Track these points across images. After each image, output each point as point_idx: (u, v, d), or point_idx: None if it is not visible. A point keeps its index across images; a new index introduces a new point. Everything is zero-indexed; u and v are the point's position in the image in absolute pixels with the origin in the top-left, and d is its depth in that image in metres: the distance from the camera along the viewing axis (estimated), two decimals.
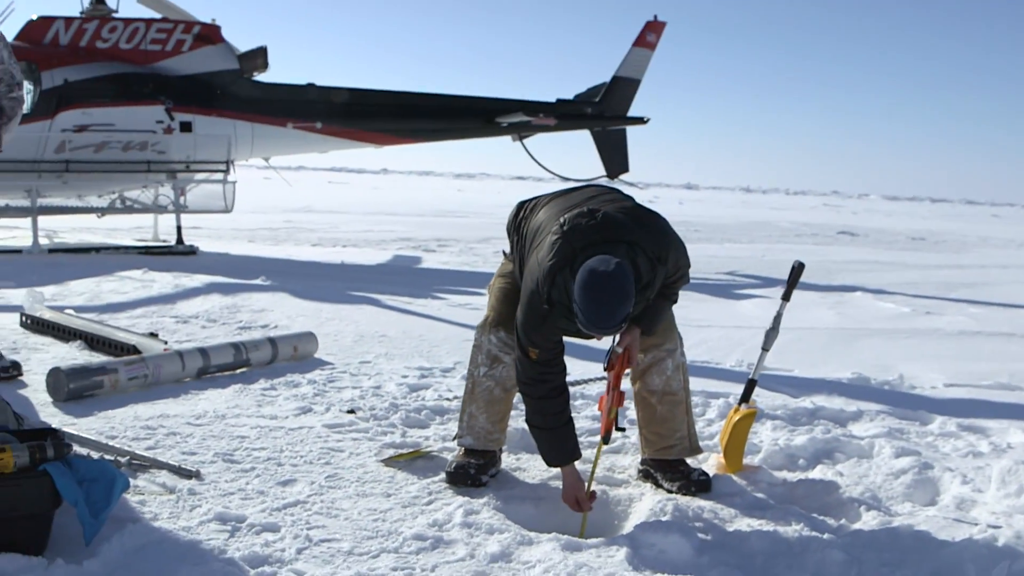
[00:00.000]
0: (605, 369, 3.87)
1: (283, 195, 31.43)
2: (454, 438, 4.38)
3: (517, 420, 4.51)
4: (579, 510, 3.81)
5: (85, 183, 14.52)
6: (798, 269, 4.41)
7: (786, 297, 4.44)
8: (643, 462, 4.28)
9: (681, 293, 4.09)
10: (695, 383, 5.51)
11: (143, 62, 14.72)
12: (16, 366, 5.64)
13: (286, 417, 5.03)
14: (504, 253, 4.38)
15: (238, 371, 6.02)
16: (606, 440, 3.88)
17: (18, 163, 13.35)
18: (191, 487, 3.86)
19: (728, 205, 57.99)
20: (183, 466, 4.08)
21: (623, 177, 18.96)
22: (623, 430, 4.00)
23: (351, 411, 5.16)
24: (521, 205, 4.23)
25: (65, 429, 4.32)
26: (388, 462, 4.33)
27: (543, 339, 3.74)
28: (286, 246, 17.01)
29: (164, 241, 15.13)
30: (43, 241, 13.67)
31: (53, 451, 3.18)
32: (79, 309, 7.95)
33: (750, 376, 4.50)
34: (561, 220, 3.67)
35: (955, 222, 47.81)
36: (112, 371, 5.33)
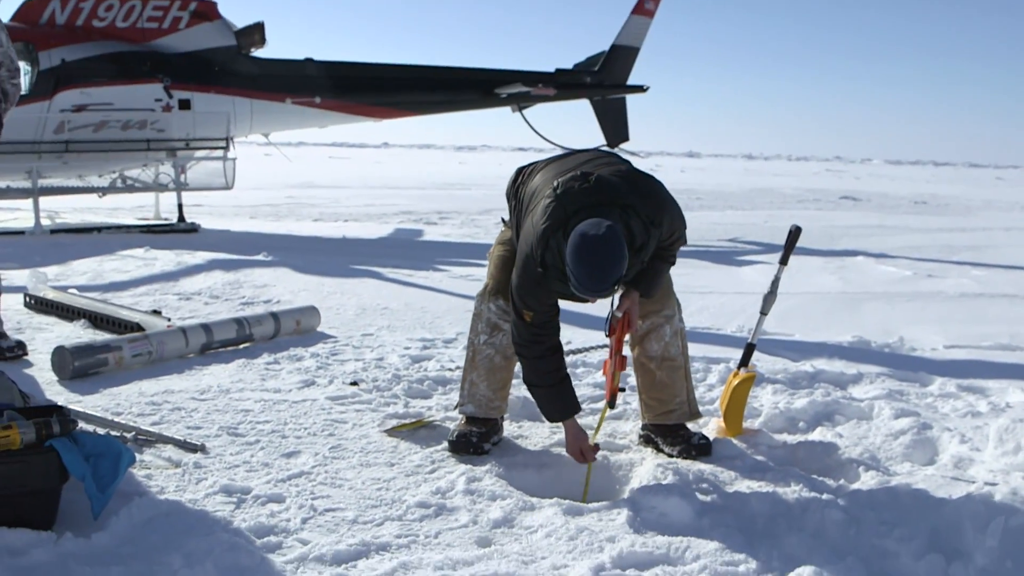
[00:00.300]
0: (607, 335, 3.90)
1: (284, 171, 31.41)
2: (456, 407, 4.42)
3: (518, 388, 4.54)
4: (583, 461, 3.87)
5: (85, 163, 14.49)
6: (795, 233, 4.43)
7: (784, 261, 4.46)
8: (644, 427, 4.32)
9: (683, 260, 4.12)
10: (697, 349, 5.55)
11: (140, 40, 14.65)
12: (21, 346, 5.68)
13: (290, 390, 5.07)
14: (503, 220, 4.40)
15: (241, 346, 6.06)
16: (611, 404, 3.93)
17: (18, 144, 13.33)
18: (197, 460, 3.91)
19: (731, 172, 57.86)
20: (188, 440, 4.12)
21: (623, 146, 18.90)
22: (623, 390, 4.05)
23: (354, 383, 5.20)
24: (520, 171, 4.25)
25: (71, 407, 4.37)
26: (391, 432, 4.37)
27: (537, 302, 3.77)
28: (287, 222, 17.01)
29: (166, 219, 15.12)
30: (45, 222, 13.67)
31: (59, 427, 3.22)
32: (82, 288, 7.99)
33: (749, 340, 4.53)
34: (555, 183, 3.70)
35: (959, 185, 47.66)
36: (116, 349, 5.36)
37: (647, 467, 3.93)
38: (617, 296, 3.83)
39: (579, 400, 4.02)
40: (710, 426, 4.47)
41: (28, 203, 13.78)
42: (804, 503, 3.51)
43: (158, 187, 15.32)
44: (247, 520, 3.33)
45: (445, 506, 3.50)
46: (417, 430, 4.42)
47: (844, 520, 3.35)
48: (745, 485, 3.75)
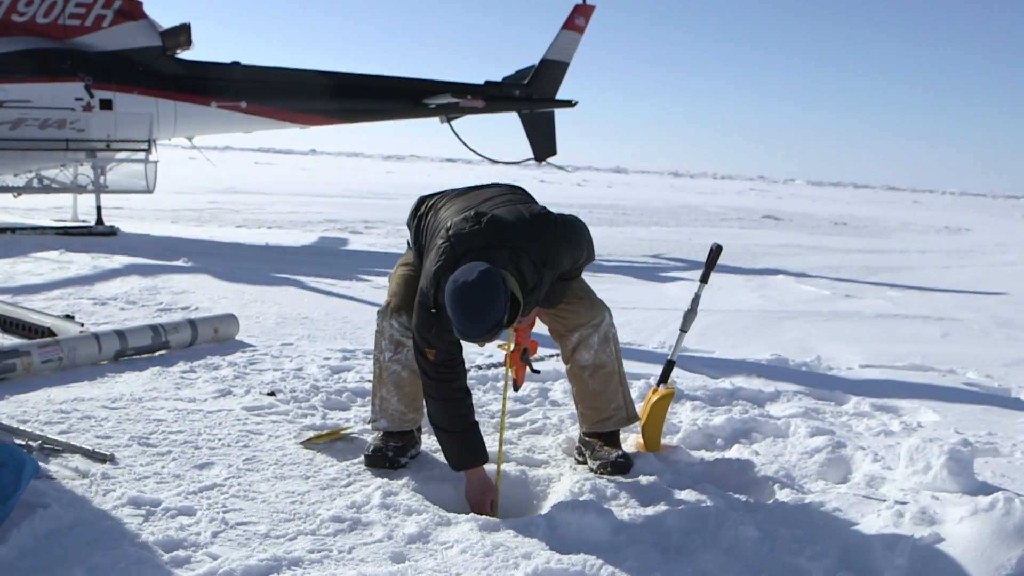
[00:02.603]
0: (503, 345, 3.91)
1: (208, 176, 30.98)
2: (368, 422, 4.37)
3: None
4: (485, 513, 3.73)
5: (0, 161, 14.11)
6: (716, 252, 4.48)
7: (704, 279, 4.50)
8: (582, 437, 4.32)
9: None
10: None
11: (61, 37, 14.31)
12: None
13: (205, 400, 4.97)
14: (408, 243, 4.39)
15: (157, 354, 5.92)
16: (516, 387, 4.06)
17: None
18: (105, 471, 3.79)
19: (657, 189, 58.46)
20: (97, 450, 4.00)
21: (551, 160, 19.02)
22: (538, 372, 4.16)
23: (271, 393, 5.11)
24: (421, 201, 4.29)
25: None
26: (307, 444, 4.30)
27: (438, 340, 3.75)
28: (210, 227, 16.75)
29: (83, 221, 14.79)
30: None
31: None
32: None
33: (668, 357, 4.55)
34: (449, 224, 3.72)
35: (877, 207, 48.79)
36: (25, 354, 5.20)
37: (565, 483, 3.92)
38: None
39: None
40: (628, 442, 4.48)
41: None
42: (720, 520, 3.53)
43: (76, 188, 14.98)
44: (155, 533, 3.24)
45: (360, 520, 3.45)
46: (334, 442, 4.36)
47: (758, 537, 3.38)
48: (662, 501, 3.75)
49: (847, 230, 27.02)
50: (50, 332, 5.93)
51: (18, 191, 15.00)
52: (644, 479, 3.99)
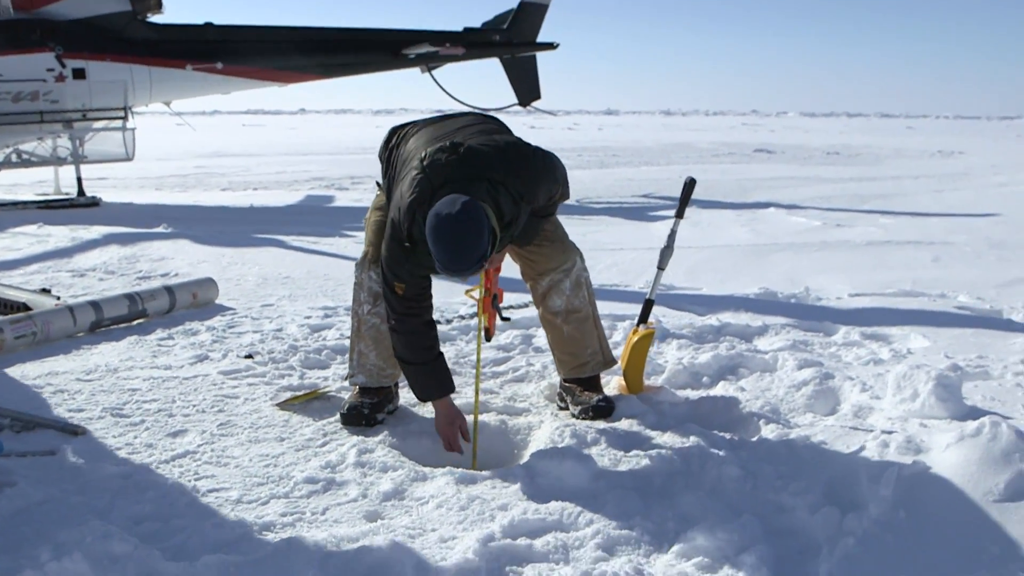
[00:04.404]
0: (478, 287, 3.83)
1: (195, 140, 30.71)
2: (346, 378, 4.29)
3: None
4: (455, 446, 3.77)
5: None
6: (690, 185, 4.37)
7: (680, 214, 4.40)
8: (562, 383, 4.24)
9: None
10: (604, 306, 5.46)
11: (28, 7, 14.05)
12: None
13: (181, 367, 4.87)
14: (377, 184, 4.24)
15: (135, 323, 5.82)
16: (488, 338, 3.94)
17: None
18: (75, 445, 3.71)
19: (648, 129, 58.09)
20: (68, 423, 3.91)
21: (539, 105, 18.83)
22: (508, 320, 4.01)
23: (249, 356, 5.02)
24: (394, 131, 4.12)
25: None
26: (283, 405, 4.22)
27: (408, 274, 3.66)
28: (194, 192, 16.61)
29: (66, 194, 14.64)
30: None
31: None
32: None
33: (647, 296, 4.45)
34: (423, 154, 3.56)
35: (870, 135, 48.53)
36: None
37: (544, 431, 3.84)
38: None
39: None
40: (611, 384, 4.40)
41: None
42: (702, 460, 3.45)
43: (56, 161, 14.82)
44: (125, 506, 3.16)
45: (334, 480, 3.38)
46: (311, 402, 4.28)
47: (741, 476, 3.31)
48: (644, 444, 3.67)
49: (839, 159, 26.88)
50: (25, 307, 5.83)
51: None
52: (626, 422, 3.91)
